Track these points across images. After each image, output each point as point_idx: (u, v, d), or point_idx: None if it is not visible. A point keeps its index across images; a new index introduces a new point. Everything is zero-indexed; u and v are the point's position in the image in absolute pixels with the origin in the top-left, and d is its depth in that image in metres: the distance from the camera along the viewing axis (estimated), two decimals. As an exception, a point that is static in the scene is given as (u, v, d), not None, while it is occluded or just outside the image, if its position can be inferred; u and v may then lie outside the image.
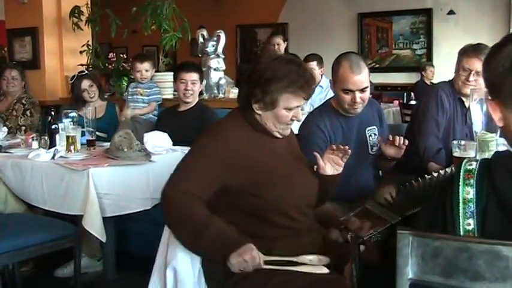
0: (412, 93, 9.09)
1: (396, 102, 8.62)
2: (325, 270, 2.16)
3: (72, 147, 3.76)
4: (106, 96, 5.22)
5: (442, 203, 1.39)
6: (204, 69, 4.99)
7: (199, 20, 7.16)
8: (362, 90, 2.95)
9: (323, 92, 5.63)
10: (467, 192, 1.36)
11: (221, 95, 5.18)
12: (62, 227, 3.18)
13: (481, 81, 3.32)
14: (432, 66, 9.55)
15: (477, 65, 3.30)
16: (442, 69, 8.81)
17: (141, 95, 4.87)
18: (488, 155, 2.43)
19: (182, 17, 5.65)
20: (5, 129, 4.60)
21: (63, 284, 3.74)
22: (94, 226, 3.27)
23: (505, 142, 2.55)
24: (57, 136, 3.83)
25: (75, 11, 6.01)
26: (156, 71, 5.32)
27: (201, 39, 5.27)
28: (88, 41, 6.13)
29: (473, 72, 3.32)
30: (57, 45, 6.27)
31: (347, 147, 2.46)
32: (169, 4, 5.46)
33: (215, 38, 5.22)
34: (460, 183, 1.37)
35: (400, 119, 7.86)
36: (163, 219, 2.28)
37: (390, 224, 1.68)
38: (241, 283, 2.21)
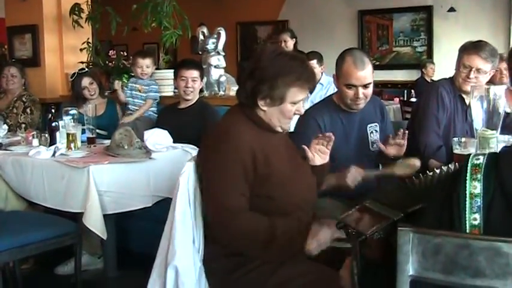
0: (413, 91, 9.08)
1: (397, 99, 8.62)
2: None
3: (72, 145, 3.76)
4: (106, 94, 5.22)
5: (449, 197, 1.39)
6: (204, 66, 4.98)
7: (200, 17, 7.17)
8: (365, 86, 2.95)
9: (323, 90, 5.64)
10: (474, 186, 1.36)
11: (221, 93, 5.17)
12: (62, 225, 3.18)
13: (481, 78, 3.32)
14: (432, 63, 9.54)
15: (477, 62, 3.29)
16: (443, 66, 8.80)
17: (140, 91, 4.87)
18: (488, 152, 2.42)
19: (182, 14, 5.64)
20: (6, 126, 4.61)
21: (64, 282, 3.74)
22: (94, 223, 3.28)
23: (505, 139, 2.56)
24: (57, 134, 3.84)
25: (75, 9, 6.00)
26: (156, 69, 5.33)
27: (201, 37, 5.26)
28: (88, 39, 6.13)
29: (473, 69, 3.31)
30: (58, 43, 6.26)
31: (331, 134, 2.50)
32: (169, 1, 5.45)
33: (215, 36, 5.21)
34: (467, 178, 1.37)
35: (400, 116, 7.86)
36: (228, 245, 2.25)
37: (393, 220, 1.67)
38: (242, 279, 2.21)
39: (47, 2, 6.14)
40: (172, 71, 4.81)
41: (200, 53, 5.32)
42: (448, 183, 1.43)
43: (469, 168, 1.38)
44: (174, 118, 4.33)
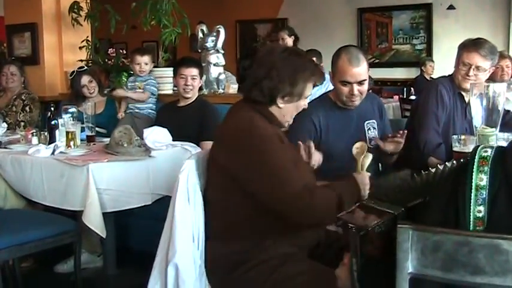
0: (412, 88, 9.08)
1: (396, 97, 8.63)
2: None
3: (71, 143, 3.76)
4: (105, 92, 5.21)
5: (455, 190, 1.39)
6: (203, 64, 4.98)
7: (199, 15, 7.16)
8: (360, 83, 2.97)
9: (322, 88, 5.61)
10: (481, 179, 1.36)
11: (221, 90, 5.17)
12: (61, 223, 3.18)
13: (480, 75, 3.32)
14: (432, 61, 9.53)
15: (477, 59, 3.29)
16: (442, 64, 8.79)
17: (139, 88, 4.87)
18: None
19: (182, 12, 5.64)
20: (5, 125, 4.60)
21: (64, 280, 3.75)
22: (94, 222, 3.27)
23: (505, 137, 2.56)
24: (56, 132, 3.83)
25: (75, 7, 6.00)
26: (155, 67, 5.32)
27: (200, 35, 5.26)
28: (87, 37, 6.12)
29: (473, 66, 3.31)
30: (57, 41, 6.26)
31: (311, 142, 2.56)
32: (168, -1, 5.46)
33: (215, 33, 5.21)
34: (474, 170, 1.37)
35: (399, 114, 7.87)
36: (317, 222, 2.27)
37: (394, 215, 1.67)
38: (243, 277, 2.22)
39: (46, 0, 6.13)
40: (171, 69, 4.81)
41: (199, 51, 5.32)
42: (453, 177, 1.43)
43: (476, 160, 1.38)
44: (173, 116, 4.33)
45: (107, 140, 3.93)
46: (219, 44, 5.21)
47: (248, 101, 2.36)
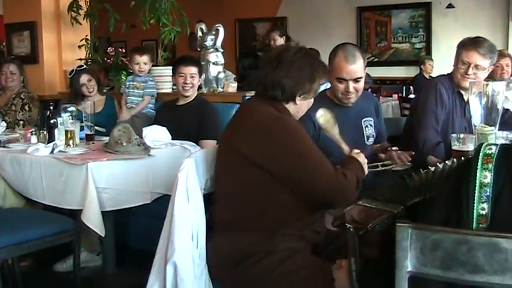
0: (411, 87, 9.08)
1: (395, 96, 8.63)
2: None
3: (71, 142, 3.75)
4: (105, 91, 5.21)
5: (458, 188, 1.39)
6: (202, 63, 4.98)
7: (198, 14, 7.15)
8: (356, 80, 2.99)
9: (321, 86, 5.63)
10: (485, 176, 1.36)
11: (220, 89, 5.17)
12: (61, 222, 3.18)
13: (479, 74, 3.32)
14: (431, 59, 9.53)
15: (476, 58, 3.29)
16: (441, 62, 8.79)
17: (137, 88, 4.87)
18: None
19: (181, 11, 5.64)
20: (4, 124, 4.60)
21: (63, 279, 3.75)
22: (93, 220, 3.27)
23: (504, 135, 2.56)
24: (56, 130, 3.83)
25: (74, 5, 6.00)
26: (154, 65, 5.32)
27: (199, 33, 5.26)
28: (86, 36, 6.13)
29: (472, 65, 3.31)
30: (56, 40, 6.26)
31: None
32: (167, -2, 5.46)
33: (214, 32, 5.20)
34: (478, 167, 1.37)
35: (399, 112, 7.86)
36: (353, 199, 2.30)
37: (393, 213, 1.67)
38: (251, 269, 2.24)
39: (45, -2, 6.14)
40: (170, 67, 4.81)
41: (199, 49, 5.31)
42: (457, 174, 1.43)
43: (480, 157, 1.38)
44: (172, 115, 4.33)
45: (106, 138, 3.92)
46: (218, 43, 5.21)
47: (262, 98, 2.43)
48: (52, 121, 3.85)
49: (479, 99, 2.45)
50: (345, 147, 2.56)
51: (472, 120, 2.57)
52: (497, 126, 2.44)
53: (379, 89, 9.05)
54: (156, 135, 3.76)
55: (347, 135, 3.04)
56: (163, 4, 5.43)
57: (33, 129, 4.01)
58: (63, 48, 6.26)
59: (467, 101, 3.15)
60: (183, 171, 2.33)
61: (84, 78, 4.81)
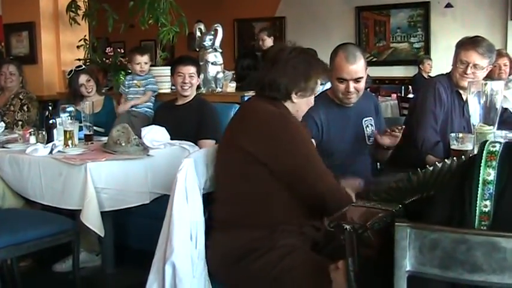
0: (410, 87, 9.09)
1: (394, 95, 8.63)
2: None
3: (69, 142, 3.75)
4: (103, 91, 5.21)
5: (461, 185, 1.39)
6: (201, 63, 4.98)
7: (197, 14, 7.14)
8: (356, 80, 2.98)
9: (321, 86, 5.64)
10: (488, 174, 1.36)
11: (219, 89, 5.17)
12: (60, 222, 3.18)
13: (478, 73, 3.32)
14: (430, 59, 9.53)
15: (475, 57, 3.29)
16: (440, 62, 8.78)
17: (138, 86, 4.87)
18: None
19: (179, 11, 5.63)
20: (3, 124, 4.60)
21: (62, 279, 3.74)
22: (92, 221, 3.27)
23: (502, 135, 2.56)
24: (54, 131, 3.83)
25: (72, 6, 6.00)
26: (153, 65, 5.32)
27: (198, 33, 5.26)
28: (85, 36, 6.12)
29: (470, 64, 3.31)
30: (55, 40, 6.26)
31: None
32: (166, -2, 5.46)
33: (212, 32, 5.21)
34: (482, 165, 1.37)
35: (397, 112, 7.87)
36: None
37: (392, 211, 1.68)
38: (248, 268, 2.25)
39: (43, -1, 6.14)
40: (169, 68, 4.81)
41: (197, 49, 5.32)
42: (460, 172, 1.43)
43: (484, 154, 1.38)
44: (171, 115, 4.33)
45: (104, 139, 3.92)
46: (217, 43, 5.21)
47: (262, 97, 2.46)
48: (51, 121, 3.85)
49: (478, 98, 2.45)
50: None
51: (470, 120, 2.58)
52: (496, 125, 2.44)
53: (378, 88, 9.07)
54: (155, 135, 3.76)
55: (348, 136, 3.05)
56: (161, 4, 5.43)
57: (32, 130, 4.01)
58: (62, 48, 6.26)
59: (466, 100, 3.16)
60: (182, 171, 2.34)
61: (82, 78, 4.81)
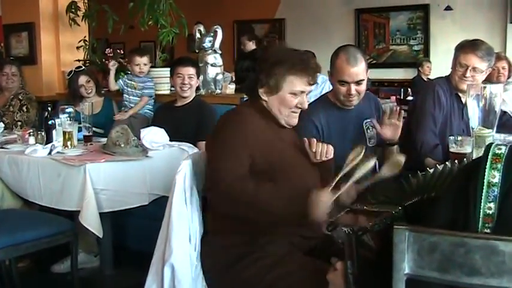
0: (409, 89, 9.09)
1: (393, 97, 8.62)
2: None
3: (69, 143, 3.75)
4: (103, 92, 5.21)
5: (466, 185, 1.39)
6: (201, 64, 4.99)
7: (196, 16, 7.15)
8: (358, 83, 2.97)
9: (318, 88, 5.63)
10: (493, 176, 1.36)
11: (218, 91, 5.17)
12: (58, 223, 3.18)
13: (477, 77, 3.32)
14: (429, 62, 9.54)
15: (474, 60, 3.29)
16: (439, 65, 8.79)
17: (135, 88, 4.88)
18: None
19: (179, 13, 5.64)
20: (2, 124, 4.61)
21: (60, 280, 3.74)
22: (91, 222, 3.27)
23: (501, 138, 2.56)
24: (54, 132, 3.83)
25: (72, 6, 6.01)
26: (153, 67, 5.33)
27: (198, 35, 5.27)
28: (85, 37, 6.13)
29: (470, 67, 3.31)
30: (54, 41, 6.26)
31: (313, 139, 2.51)
32: (166, -1, 5.47)
33: (212, 34, 5.21)
34: (487, 167, 1.37)
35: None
36: (230, 211, 2.24)
37: (392, 213, 1.67)
38: (242, 274, 2.22)
39: (43, -1, 6.14)
40: (168, 69, 4.81)
41: (197, 51, 5.32)
42: (465, 174, 1.43)
43: (489, 157, 1.38)
44: (170, 116, 4.33)
45: (104, 140, 3.92)
46: (217, 44, 5.21)
47: (248, 98, 2.50)
48: (50, 122, 3.85)
49: (477, 101, 2.46)
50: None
51: (469, 123, 2.58)
52: (495, 128, 2.44)
53: (377, 91, 9.07)
54: (154, 136, 3.76)
55: (348, 138, 3.04)
56: (161, 5, 5.44)
57: (31, 130, 4.01)
58: (62, 49, 6.26)
59: (465, 103, 3.16)
60: (180, 172, 2.34)
61: (82, 79, 4.82)
